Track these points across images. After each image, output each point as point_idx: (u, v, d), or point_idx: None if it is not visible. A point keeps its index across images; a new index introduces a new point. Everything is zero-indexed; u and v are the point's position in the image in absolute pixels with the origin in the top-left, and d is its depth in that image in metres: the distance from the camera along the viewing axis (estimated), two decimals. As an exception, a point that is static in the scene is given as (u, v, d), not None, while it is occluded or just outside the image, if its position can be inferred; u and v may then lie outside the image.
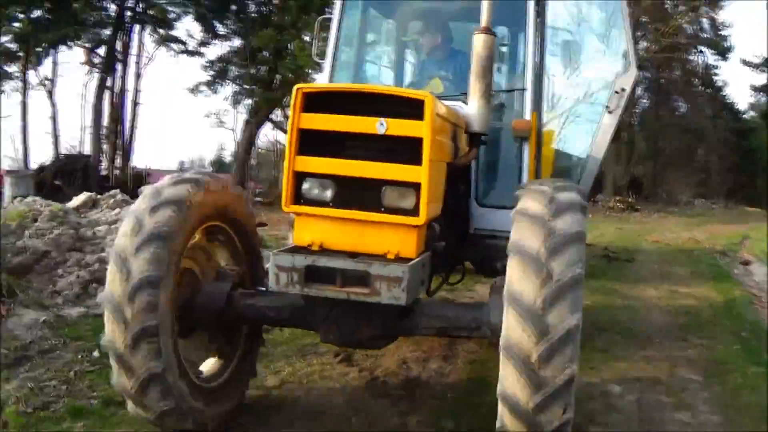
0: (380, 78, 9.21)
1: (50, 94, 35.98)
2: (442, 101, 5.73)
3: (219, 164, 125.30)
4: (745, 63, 66.56)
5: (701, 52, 58.22)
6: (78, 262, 9.86)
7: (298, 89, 5.27)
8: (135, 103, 37.69)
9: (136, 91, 37.77)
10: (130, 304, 4.99)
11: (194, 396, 5.47)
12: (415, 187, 5.11)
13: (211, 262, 6.13)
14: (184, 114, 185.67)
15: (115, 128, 36.09)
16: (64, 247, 10.13)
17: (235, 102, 38.08)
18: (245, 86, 31.68)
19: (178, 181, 5.50)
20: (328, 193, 5.27)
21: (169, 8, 35.79)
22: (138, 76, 37.92)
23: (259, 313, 6.01)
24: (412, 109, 5.15)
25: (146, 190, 5.46)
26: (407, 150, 5.11)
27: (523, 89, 7.34)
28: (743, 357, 8.44)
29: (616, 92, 8.21)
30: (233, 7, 34.65)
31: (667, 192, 57.80)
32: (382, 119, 5.12)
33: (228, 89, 37.49)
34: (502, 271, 5.97)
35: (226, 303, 5.83)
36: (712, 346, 8.94)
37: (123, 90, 36.02)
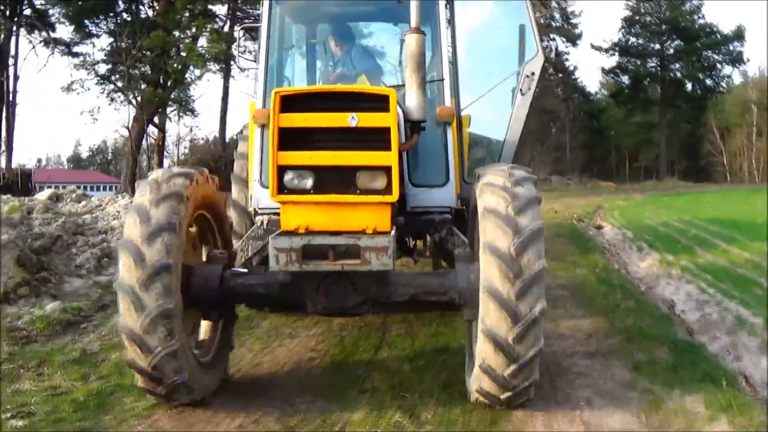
0: (297, 80, 9.67)
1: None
2: None
3: (76, 160, 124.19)
4: (595, 47, 72.47)
5: (553, 39, 63.43)
6: (86, 242, 12.51)
7: (276, 93, 5.97)
8: (14, 104, 39.13)
9: (15, 92, 39.23)
10: (155, 207, 5.80)
11: (197, 369, 6.19)
12: (386, 170, 5.94)
13: (193, 248, 6.81)
14: (60, 112, 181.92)
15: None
16: (70, 231, 12.76)
17: (112, 100, 39.93)
18: (132, 84, 33.71)
19: (183, 167, 6.44)
20: (309, 182, 6.00)
21: (46, 8, 37.34)
22: (16, 77, 39.40)
23: (251, 290, 6.63)
24: (376, 103, 5.99)
25: (157, 169, 6.39)
26: (376, 139, 5.92)
27: (442, 80, 8.01)
28: (597, 281, 12.11)
29: (527, 76, 8.79)
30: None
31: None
32: (353, 114, 5.90)
33: (105, 87, 39.28)
34: (439, 243, 7.51)
35: (219, 282, 6.46)
36: (575, 276, 12.60)
37: (6, 91, 37.34)
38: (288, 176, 5.99)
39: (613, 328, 8.91)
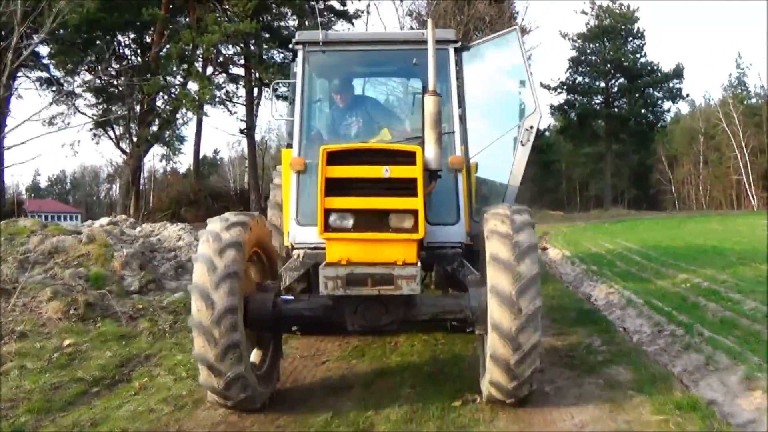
0: (322, 130, 10.22)
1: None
2: None
3: (35, 189, 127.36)
4: (544, 86, 77.87)
5: (505, 81, 68.71)
6: (162, 257, 17.12)
7: (323, 149, 7.16)
8: (2, 137, 43.31)
9: (4, 125, 43.46)
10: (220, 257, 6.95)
11: (257, 383, 7.34)
12: (413, 212, 7.07)
13: (249, 279, 7.83)
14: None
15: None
16: (148, 249, 17.47)
17: (95, 135, 44.50)
18: (126, 124, 38.62)
19: (238, 214, 7.51)
20: (350, 222, 7.13)
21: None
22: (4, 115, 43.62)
23: (299, 314, 7.91)
24: (406, 158, 7.19)
25: (214, 219, 7.50)
26: (405, 187, 7.08)
27: (453, 132, 8.89)
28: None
29: (526, 129, 9.64)
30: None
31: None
32: (387, 167, 7.05)
33: (92, 121, 43.68)
34: (451, 273, 8.54)
35: (272, 307, 7.60)
36: None
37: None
38: (332, 217, 7.20)
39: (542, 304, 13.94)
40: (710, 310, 11.92)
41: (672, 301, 12.99)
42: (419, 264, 7.23)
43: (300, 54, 9.34)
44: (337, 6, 52.98)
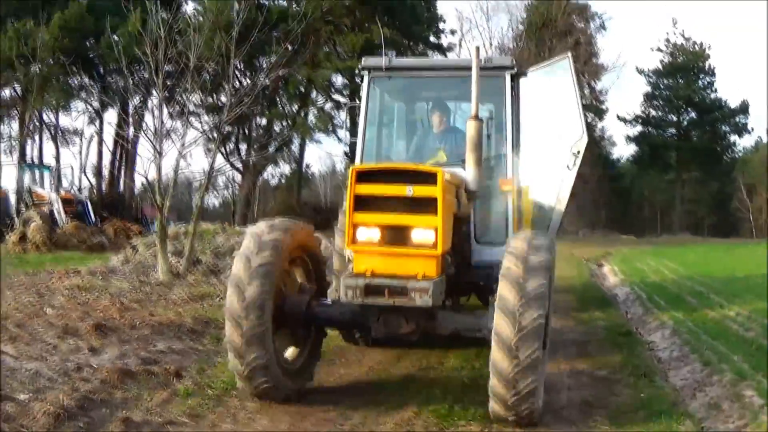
0: (392, 151, 11.17)
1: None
2: (447, 168, 8.07)
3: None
4: (620, 119, 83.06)
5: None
6: None
7: (353, 169, 7.80)
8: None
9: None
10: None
11: (284, 375, 7.94)
12: (434, 229, 7.60)
13: (291, 281, 8.52)
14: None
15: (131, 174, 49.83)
16: None
17: (209, 149, 51.30)
18: (251, 149, 45.79)
19: (283, 221, 8.27)
20: (375, 237, 7.72)
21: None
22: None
23: (329, 317, 8.64)
24: (429, 178, 7.68)
25: (261, 222, 8.19)
26: (427, 205, 7.62)
27: (504, 154, 9.48)
28: (583, 287, 23.40)
29: (573, 154, 9.72)
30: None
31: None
32: (410, 186, 7.60)
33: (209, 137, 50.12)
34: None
35: (306, 309, 8.30)
36: (574, 285, 23.28)
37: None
38: (359, 231, 7.76)
39: (577, 298, 19.92)
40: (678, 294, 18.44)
41: (668, 297, 18.96)
42: (439, 278, 7.86)
43: (365, 78, 10.13)
44: (433, 40, 59.38)
